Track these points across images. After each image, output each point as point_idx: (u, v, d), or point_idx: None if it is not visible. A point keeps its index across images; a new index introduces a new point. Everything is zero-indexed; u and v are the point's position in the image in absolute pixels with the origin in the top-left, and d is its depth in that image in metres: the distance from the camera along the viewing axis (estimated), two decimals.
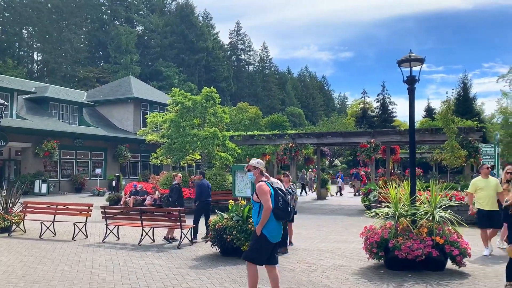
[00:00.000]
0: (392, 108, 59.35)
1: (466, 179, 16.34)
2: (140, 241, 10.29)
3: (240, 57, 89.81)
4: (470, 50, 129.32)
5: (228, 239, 8.44)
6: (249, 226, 8.42)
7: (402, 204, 7.80)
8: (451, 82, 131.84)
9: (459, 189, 14.07)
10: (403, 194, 7.92)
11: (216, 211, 9.74)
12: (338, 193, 27.48)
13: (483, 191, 8.91)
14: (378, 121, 55.93)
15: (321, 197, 24.17)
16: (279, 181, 6.00)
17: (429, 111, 60.95)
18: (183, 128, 19.06)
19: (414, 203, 7.75)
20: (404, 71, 7.89)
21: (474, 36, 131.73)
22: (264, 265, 5.65)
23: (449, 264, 7.33)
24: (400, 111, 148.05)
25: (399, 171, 30.57)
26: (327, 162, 44.89)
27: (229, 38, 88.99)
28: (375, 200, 16.60)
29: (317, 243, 10.50)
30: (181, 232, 10.03)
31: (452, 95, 44.76)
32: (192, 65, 72.13)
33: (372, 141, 18.19)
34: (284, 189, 5.69)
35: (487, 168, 9.28)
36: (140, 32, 72.09)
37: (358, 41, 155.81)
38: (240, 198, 9.51)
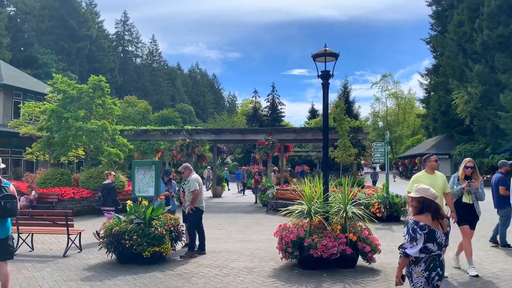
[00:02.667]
0: (281, 109, 61.62)
1: (354, 176, 17.27)
2: (15, 250, 8.62)
3: (127, 48, 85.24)
4: (345, 58, 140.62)
5: (127, 245, 7.44)
6: (153, 229, 7.53)
7: (314, 201, 7.59)
8: (329, 87, 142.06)
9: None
10: (316, 191, 7.73)
11: (112, 213, 8.60)
12: (242, 192, 27.24)
13: None
14: (268, 120, 57.53)
15: (216, 194, 23.70)
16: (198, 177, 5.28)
17: (313, 113, 64.67)
18: (65, 120, 16.97)
19: (327, 200, 7.62)
20: (319, 65, 7.71)
21: (348, 45, 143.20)
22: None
23: (359, 261, 7.33)
24: (287, 112, 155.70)
25: (289, 168, 31.53)
26: (219, 160, 44.69)
27: (115, 28, 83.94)
28: (272, 197, 16.65)
29: (222, 243, 9.95)
30: (68, 238, 8.65)
31: (336, 99, 47.89)
32: (73, 53, 66.01)
33: (269, 138, 18.25)
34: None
35: (435, 160, 6.79)
36: (12, 13, 63.94)
37: (245, 43, 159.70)
38: (141, 198, 8.51)
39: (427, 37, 49.52)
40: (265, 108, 61.49)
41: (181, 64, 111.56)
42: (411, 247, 3.68)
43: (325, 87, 7.71)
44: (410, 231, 3.69)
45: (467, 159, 7.22)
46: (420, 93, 68.39)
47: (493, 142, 32.55)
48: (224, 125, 47.51)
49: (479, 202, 6.88)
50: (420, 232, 3.64)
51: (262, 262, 7.84)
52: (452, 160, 38.03)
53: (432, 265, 3.70)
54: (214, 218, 14.57)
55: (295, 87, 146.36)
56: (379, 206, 12.79)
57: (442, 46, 42.91)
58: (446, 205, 6.55)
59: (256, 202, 19.27)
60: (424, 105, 54.03)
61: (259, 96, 65.47)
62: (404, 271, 3.90)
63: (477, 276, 6.47)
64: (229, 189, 27.50)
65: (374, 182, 28.54)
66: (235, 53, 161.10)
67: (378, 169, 37.09)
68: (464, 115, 36.01)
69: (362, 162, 27.01)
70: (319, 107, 74.93)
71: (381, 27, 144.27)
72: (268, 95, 61.48)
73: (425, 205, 3.76)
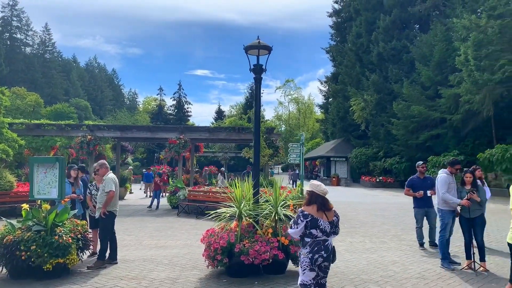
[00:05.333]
0: (188, 108, 60.30)
1: (266, 177, 17.22)
2: None
3: (15, 35, 76.86)
4: (247, 63, 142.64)
5: (23, 257, 6.23)
6: (56, 237, 6.40)
7: (243, 203, 7.10)
8: (231, 90, 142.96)
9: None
10: (245, 193, 7.23)
11: (3, 218, 7.21)
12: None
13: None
14: (174, 119, 55.92)
15: (120, 196, 21.98)
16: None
17: (220, 113, 64.52)
18: None
19: (258, 202, 7.18)
20: (251, 58, 7.28)
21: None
22: None
23: (289, 265, 7.02)
24: (193, 111, 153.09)
25: (196, 169, 30.73)
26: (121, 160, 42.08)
27: (1, 12, 75.20)
28: (184, 199, 15.84)
29: (133, 251, 8.99)
30: None
31: (242, 101, 48.18)
32: None
33: (181, 137, 17.38)
34: None
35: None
36: None
37: (147, 40, 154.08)
38: (40, 201, 7.23)
39: (327, 46, 52.28)
40: (171, 106, 59.70)
41: (77, 57, 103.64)
42: (291, 228, 4.46)
43: (258, 82, 7.29)
44: (295, 217, 4.49)
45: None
46: (319, 99, 72.05)
47: (385, 147, 35.16)
48: (126, 123, 44.89)
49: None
50: (303, 219, 4.34)
51: (184, 271, 7.13)
52: (349, 162, 40.42)
53: (316, 248, 4.33)
54: (120, 223, 13.25)
55: (198, 88, 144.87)
56: (294, 206, 12.75)
57: (341, 56, 45.49)
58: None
59: (149, 207, 17.34)
60: (323, 110, 56.91)
61: (165, 94, 63.51)
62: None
63: None
64: (131, 192, 25.81)
65: (294, 183, 29.09)
66: (136, 49, 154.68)
67: (297, 170, 37.94)
68: (360, 120, 38.47)
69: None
70: (225, 108, 74.97)
71: (280, 35, 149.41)
72: (174, 93, 59.91)
73: (312, 198, 4.44)
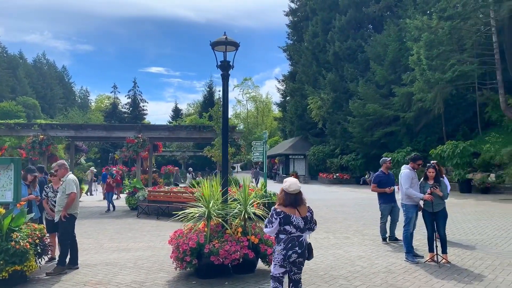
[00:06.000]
0: (143, 106, 58.87)
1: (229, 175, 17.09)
2: None
3: None
4: (202, 60, 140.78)
5: None
6: (13, 243, 6.00)
7: (212, 203, 6.95)
8: (186, 88, 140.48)
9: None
10: (213, 192, 7.09)
11: None
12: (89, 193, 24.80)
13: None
14: (129, 117, 54.44)
15: None
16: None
17: (177, 112, 63.53)
18: None
19: (226, 201, 7.07)
20: (218, 55, 7.14)
21: (206, 48, 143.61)
22: None
23: (258, 264, 6.96)
24: (148, 110, 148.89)
25: (154, 169, 30.10)
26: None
27: None
28: (144, 200, 15.43)
29: (94, 254, 8.63)
30: None
31: (201, 98, 47.65)
32: None
33: (140, 136, 16.91)
34: None
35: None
36: None
37: (98, 36, 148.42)
38: None
39: (284, 45, 52.74)
40: (126, 104, 58.03)
41: (24, 53, 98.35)
42: (267, 227, 4.58)
43: (225, 79, 7.16)
44: (269, 216, 4.60)
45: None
46: (277, 98, 72.65)
47: (341, 144, 35.97)
48: (78, 122, 43.22)
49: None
50: (276, 217, 4.46)
51: (150, 274, 6.90)
52: (307, 160, 41.02)
53: (290, 245, 4.43)
54: (78, 225, 12.64)
55: (152, 86, 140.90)
56: (258, 205, 12.72)
57: (298, 55, 46.03)
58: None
59: (108, 210, 16.50)
60: (280, 108, 57.41)
61: (119, 92, 61.64)
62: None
63: None
64: (88, 194, 24.86)
65: (256, 181, 29.05)
66: (87, 46, 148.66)
67: (258, 168, 37.87)
68: (318, 118, 39.13)
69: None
70: (182, 106, 73.88)
71: (236, 33, 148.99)
72: (129, 91, 58.28)
73: (283, 195, 4.59)
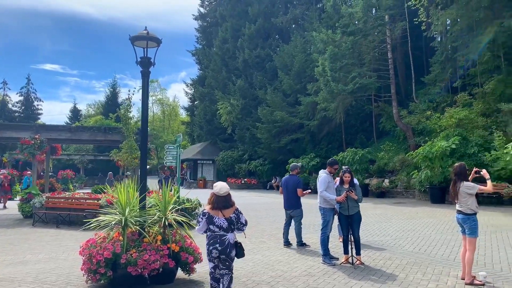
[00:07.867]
0: (38, 105, 53.91)
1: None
2: None
3: None
4: (103, 59, 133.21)
5: None
6: None
7: (128, 210, 6.46)
8: (85, 87, 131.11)
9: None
10: (130, 198, 6.60)
11: None
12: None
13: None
14: (21, 117, 49.39)
15: None
16: None
17: (75, 113, 59.34)
18: None
19: (144, 207, 6.63)
20: (138, 50, 6.71)
21: (108, 47, 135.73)
22: None
23: (178, 273, 6.62)
24: (44, 110, 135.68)
25: (50, 173, 27.65)
26: None
27: None
28: (41, 207, 14.01)
29: None
30: None
31: (103, 99, 45.03)
32: None
33: (37, 136, 15.36)
34: None
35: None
36: None
37: None
38: None
39: (193, 49, 52.21)
40: (17, 103, 52.63)
41: None
42: (197, 227, 5.11)
43: (145, 76, 6.76)
44: (198, 216, 5.23)
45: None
46: (185, 102, 71.49)
47: (250, 150, 36.53)
48: None
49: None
50: (202, 217, 5.05)
51: None
52: (215, 165, 40.93)
53: (212, 241, 4.94)
54: None
55: (47, 84, 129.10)
56: (178, 211, 12.27)
57: (208, 59, 45.91)
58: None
59: None
60: (188, 113, 56.60)
61: (9, 89, 55.73)
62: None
63: None
64: None
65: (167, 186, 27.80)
66: None
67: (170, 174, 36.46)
68: (227, 124, 39.28)
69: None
70: (82, 107, 69.47)
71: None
72: (21, 89, 52.91)
73: (210, 198, 5.13)
